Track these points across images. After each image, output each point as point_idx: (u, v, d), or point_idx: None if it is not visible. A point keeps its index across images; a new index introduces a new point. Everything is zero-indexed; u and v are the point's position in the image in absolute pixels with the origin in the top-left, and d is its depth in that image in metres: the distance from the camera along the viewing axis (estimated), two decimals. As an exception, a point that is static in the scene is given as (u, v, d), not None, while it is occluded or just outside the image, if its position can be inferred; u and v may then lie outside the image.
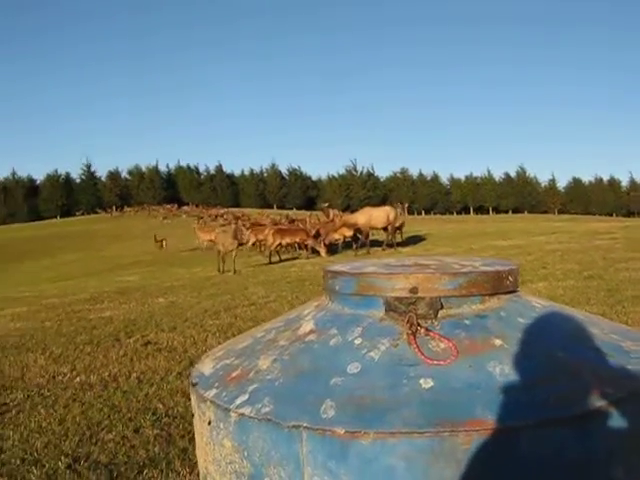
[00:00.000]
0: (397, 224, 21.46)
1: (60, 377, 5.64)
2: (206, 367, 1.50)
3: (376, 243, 22.19)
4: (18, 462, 3.67)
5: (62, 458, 3.65)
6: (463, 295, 1.34)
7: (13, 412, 4.67)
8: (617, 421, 1.16)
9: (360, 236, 21.02)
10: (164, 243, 32.18)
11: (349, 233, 21.05)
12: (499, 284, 1.39)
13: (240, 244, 17.18)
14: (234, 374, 1.36)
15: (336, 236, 21.15)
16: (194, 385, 1.43)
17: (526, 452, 1.09)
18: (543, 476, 1.11)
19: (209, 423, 1.32)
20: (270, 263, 18.99)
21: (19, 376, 5.76)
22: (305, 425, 1.14)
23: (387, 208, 21.97)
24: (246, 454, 1.23)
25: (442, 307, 1.32)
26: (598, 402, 1.15)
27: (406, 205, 23.32)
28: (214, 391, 1.34)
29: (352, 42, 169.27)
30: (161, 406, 4.51)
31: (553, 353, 1.27)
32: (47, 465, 3.58)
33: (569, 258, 13.00)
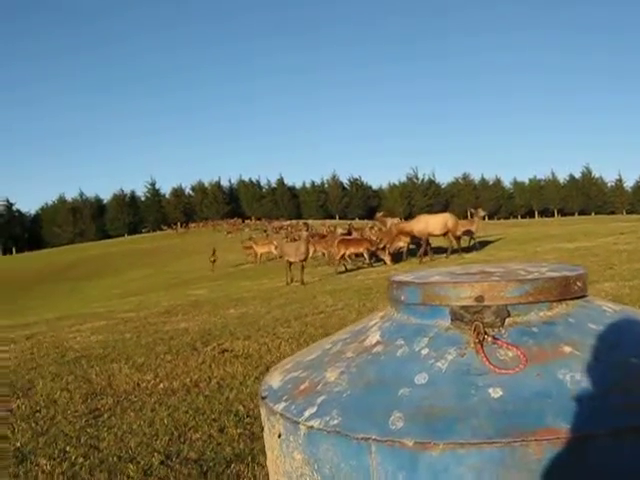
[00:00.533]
0: (458, 232, 21.34)
1: (144, 384, 6.03)
2: (275, 380, 1.51)
3: (441, 250, 21.98)
4: (115, 459, 4.00)
5: (155, 455, 3.99)
6: (530, 302, 1.32)
7: (105, 416, 5.03)
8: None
9: (422, 243, 20.97)
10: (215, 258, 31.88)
11: (406, 241, 21.08)
12: (567, 290, 1.36)
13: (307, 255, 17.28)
14: (302, 387, 1.38)
15: (401, 244, 21.15)
16: (263, 398, 1.45)
17: (600, 461, 1.07)
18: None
19: (279, 436, 1.33)
20: (339, 273, 19.11)
21: (106, 384, 6.15)
22: (374, 437, 1.14)
23: (446, 215, 21.96)
24: (316, 467, 1.24)
25: (509, 315, 1.31)
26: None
27: (481, 213, 22.86)
28: (283, 404, 1.35)
29: (421, 50, 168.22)
30: (242, 408, 4.78)
31: (626, 360, 1.24)
32: (142, 462, 3.90)
33: (636, 258, 12.91)
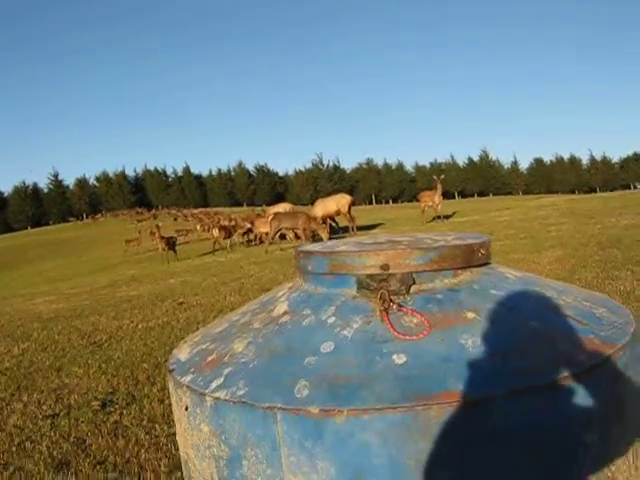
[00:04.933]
0: (345, 210, 22.58)
1: (125, 327, 7.69)
2: (183, 353, 1.49)
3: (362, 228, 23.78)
4: (129, 363, 5.75)
5: (158, 358, 5.76)
6: (435, 270, 1.33)
7: (105, 345, 6.73)
8: (591, 389, 1.17)
9: (333, 224, 23.11)
10: (137, 243, 32.14)
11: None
12: (471, 257, 1.39)
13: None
14: (209, 359, 1.36)
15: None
16: (171, 371, 1.43)
17: (499, 422, 1.09)
18: (517, 445, 1.11)
19: (186, 409, 1.32)
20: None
21: (93, 329, 7.80)
22: (280, 406, 1.14)
23: (337, 195, 23.96)
24: (224, 437, 1.23)
25: (414, 282, 1.32)
26: (572, 370, 1.15)
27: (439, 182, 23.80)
28: (190, 376, 1.34)
29: (316, 33, 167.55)
30: None
31: (526, 323, 1.27)
32: (150, 362, 5.68)
33: (513, 226, 15.80)
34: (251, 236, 24.87)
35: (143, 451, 3.62)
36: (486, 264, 1.46)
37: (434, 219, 24.17)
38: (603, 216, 15.53)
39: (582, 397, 1.15)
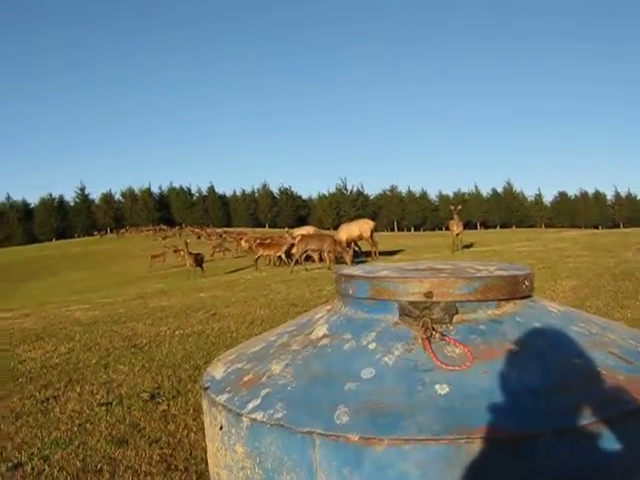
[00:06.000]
0: (368, 234, 22.91)
1: (163, 333, 7.94)
2: (217, 371, 1.48)
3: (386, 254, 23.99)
4: (170, 364, 6.00)
5: (198, 361, 5.98)
6: (479, 300, 1.32)
7: (146, 348, 6.96)
8: (636, 431, 1.14)
9: (355, 248, 23.29)
10: (163, 259, 32.59)
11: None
12: (515, 289, 1.37)
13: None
14: (246, 378, 1.35)
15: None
16: (205, 389, 1.41)
17: (542, 460, 1.07)
18: (560, 484, 1.09)
19: (221, 428, 1.30)
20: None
21: (132, 334, 8.04)
22: (318, 431, 1.12)
23: (360, 221, 24.35)
24: (258, 460, 1.21)
25: (457, 312, 1.30)
26: (618, 410, 1.13)
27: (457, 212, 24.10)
28: (226, 395, 1.32)
29: (344, 57, 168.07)
30: (244, 340, 6.10)
31: (571, 360, 1.24)
32: (191, 363, 5.92)
33: (532, 257, 15.69)
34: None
35: (192, 434, 3.92)
36: (529, 296, 1.44)
37: (458, 248, 24.14)
38: (621, 250, 15.71)
39: (628, 439, 1.12)
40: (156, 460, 3.69)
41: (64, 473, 3.57)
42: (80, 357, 6.71)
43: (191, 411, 4.41)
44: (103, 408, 4.71)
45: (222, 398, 1.32)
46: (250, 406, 1.24)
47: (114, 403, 4.83)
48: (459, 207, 24.69)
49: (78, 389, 5.32)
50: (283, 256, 22.03)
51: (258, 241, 24.87)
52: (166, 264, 31.95)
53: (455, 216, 24.07)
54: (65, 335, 8.40)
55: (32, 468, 3.65)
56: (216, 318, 8.98)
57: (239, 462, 1.26)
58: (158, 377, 5.57)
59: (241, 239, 34.16)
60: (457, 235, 23.93)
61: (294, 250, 20.73)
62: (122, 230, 75.69)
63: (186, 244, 24.75)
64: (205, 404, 1.41)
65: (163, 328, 8.39)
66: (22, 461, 3.76)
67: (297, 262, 19.95)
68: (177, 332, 7.96)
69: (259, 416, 1.20)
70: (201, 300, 11.95)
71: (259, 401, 1.24)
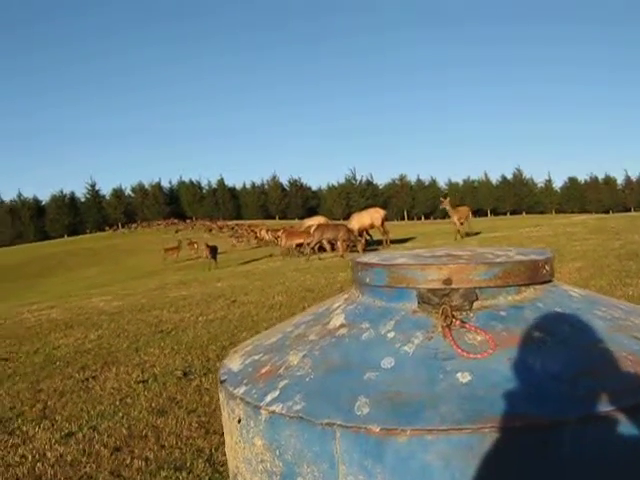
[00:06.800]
0: (379, 223, 23.14)
1: (187, 319, 8.55)
2: (234, 363, 1.46)
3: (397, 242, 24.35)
4: (198, 345, 6.62)
5: (223, 342, 6.59)
6: (499, 285, 1.29)
7: (172, 333, 7.54)
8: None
9: (367, 237, 23.65)
10: (176, 252, 32.55)
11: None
12: (535, 274, 1.34)
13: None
14: (263, 370, 1.33)
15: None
16: (222, 382, 1.40)
17: (568, 447, 1.04)
18: (585, 472, 1.06)
19: (239, 421, 1.28)
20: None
21: (158, 321, 8.60)
22: (339, 423, 1.10)
23: (370, 210, 24.66)
24: (278, 453, 1.19)
25: (477, 298, 1.28)
26: (643, 396, 1.10)
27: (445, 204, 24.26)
28: (243, 388, 1.30)
29: (351, 46, 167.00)
30: (264, 324, 7.13)
31: (594, 345, 1.22)
32: (217, 344, 6.54)
33: (541, 241, 16.08)
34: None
35: (226, 405, 4.49)
36: (549, 281, 1.41)
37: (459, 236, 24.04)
38: (628, 233, 15.93)
39: (656, 424, 1.10)
40: (195, 427, 4.10)
41: (113, 439, 4.04)
42: (111, 342, 7.29)
43: (223, 386, 5.06)
44: (140, 385, 5.20)
45: (240, 390, 1.30)
46: (268, 398, 1.22)
47: (150, 381, 5.31)
48: (447, 199, 24.94)
49: (114, 370, 5.83)
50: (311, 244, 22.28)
51: (285, 232, 25.04)
52: (180, 257, 32.17)
53: (447, 208, 24.41)
54: (93, 324, 8.98)
55: (83, 436, 4.14)
56: (236, 305, 9.49)
57: (258, 455, 1.24)
58: (188, 357, 6.06)
59: (261, 230, 35.37)
60: (461, 224, 23.91)
61: (309, 240, 20.90)
62: (134, 225, 76.12)
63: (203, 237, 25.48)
64: (222, 397, 1.39)
65: (186, 315, 8.91)
66: (73, 430, 4.26)
67: (313, 251, 20.12)
68: (200, 318, 8.45)
69: (277, 408, 1.18)
70: (220, 289, 12.35)
71: (277, 393, 1.22)
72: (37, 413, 4.75)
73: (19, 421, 4.60)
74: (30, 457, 3.88)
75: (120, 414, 4.49)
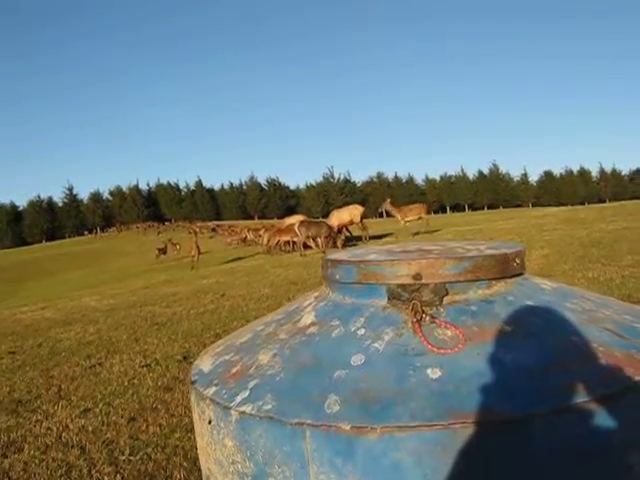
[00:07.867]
0: (357, 219, 23.94)
1: (179, 313, 9.03)
2: (205, 364, 1.44)
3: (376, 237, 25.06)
4: (194, 333, 7.14)
5: (217, 330, 7.05)
6: (469, 280, 1.28)
7: (167, 324, 8.01)
8: (634, 406, 1.11)
9: (347, 233, 24.32)
10: (178, 247, 33.72)
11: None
12: (506, 267, 1.33)
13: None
14: (234, 370, 1.31)
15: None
16: (193, 383, 1.38)
17: (541, 440, 1.04)
18: (558, 465, 1.05)
19: (209, 422, 1.27)
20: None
21: (152, 315, 9.05)
22: (309, 422, 1.09)
23: (350, 207, 25.57)
24: (249, 454, 1.18)
25: (447, 293, 1.27)
26: (615, 387, 1.10)
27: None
28: (213, 389, 1.29)
29: (328, 44, 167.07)
30: (254, 314, 7.60)
31: (566, 337, 1.21)
32: (211, 332, 7.00)
33: (512, 232, 16.84)
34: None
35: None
36: (520, 274, 1.40)
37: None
38: (595, 223, 16.75)
39: (626, 415, 1.10)
40: (200, 399, 4.69)
41: (127, 411, 4.47)
42: (110, 335, 7.73)
43: (221, 366, 5.58)
44: (144, 368, 5.65)
45: (210, 391, 1.28)
46: (238, 399, 1.20)
47: (153, 365, 5.76)
48: (387, 200, 25.83)
49: (118, 357, 6.30)
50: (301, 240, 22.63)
51: (267, 230, 26.16)
52: (167, 257, 33.17)
53: (388, 209, 25.27)
54: (89, 320, 9.44)
55: (99, 410, 4.57)
56: (225, 298, 10.03)
57: (229, 456, 1.22)
58: (185, 344, 6.54)
59: (242, 230, 37.18)
60: (405, 222, 24.54)
61: (296, 238, 21.38)
62: (112, 229, 75.86)
63: (195, 233, 26.31)
64: (193, 398, 1.38)
65: (179, 309, 9.44)
66: (89, 407, 4.69)
67: (304, 247, 20.52)
68: (192, 311, 8.98)
69: (248, 409, 1.17)
70: (207, 285, 12.98)
71: (247, 393, 1.20)
72: (53, 395, 5.14)
73: (38, 402, 4.97)
74: (55, 429, 4.28)
75: (130, 392, 4.93)
